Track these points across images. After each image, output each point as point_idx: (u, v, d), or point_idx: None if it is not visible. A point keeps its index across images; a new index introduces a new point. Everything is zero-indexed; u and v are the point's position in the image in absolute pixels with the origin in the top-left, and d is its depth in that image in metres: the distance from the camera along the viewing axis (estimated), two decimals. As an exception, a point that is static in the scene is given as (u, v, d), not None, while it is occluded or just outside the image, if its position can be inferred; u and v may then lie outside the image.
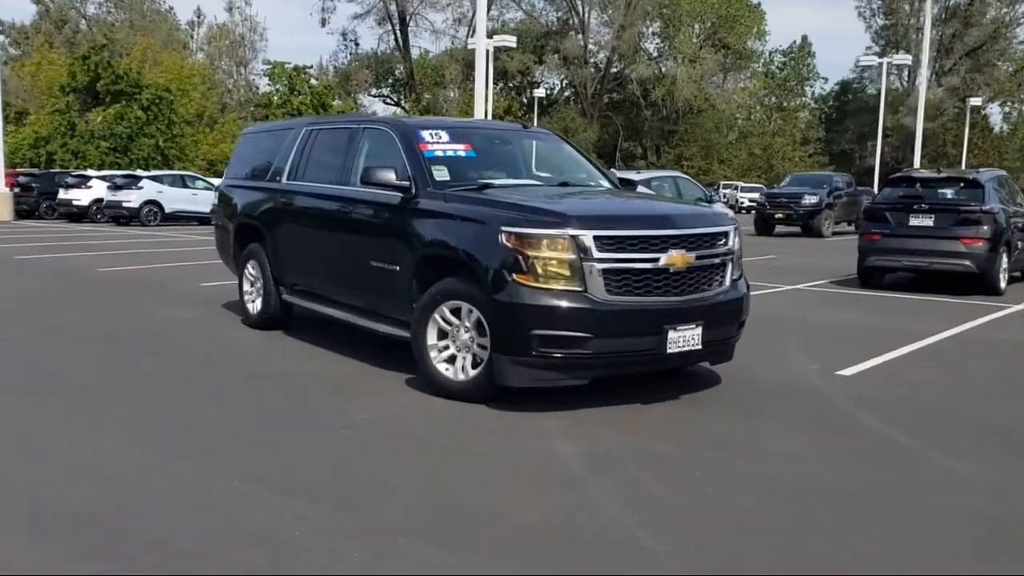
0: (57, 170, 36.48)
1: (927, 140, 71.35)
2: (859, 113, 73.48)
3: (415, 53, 68.61)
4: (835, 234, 26.71)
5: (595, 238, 5.59)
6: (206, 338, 8.39)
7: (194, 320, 9.37)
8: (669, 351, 5.73)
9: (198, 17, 69.64)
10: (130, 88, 43.71)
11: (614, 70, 68.62)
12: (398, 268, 6.62)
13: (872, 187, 37.07)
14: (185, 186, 28.93)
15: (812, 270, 15.40)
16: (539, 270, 5.57)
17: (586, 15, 67.92)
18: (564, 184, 7.17)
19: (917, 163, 33.94)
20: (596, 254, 5.58)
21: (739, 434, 5.45)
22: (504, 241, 5.67)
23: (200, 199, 28.07)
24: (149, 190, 27.69)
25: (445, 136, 7.06)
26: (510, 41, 38.00)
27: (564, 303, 5.54)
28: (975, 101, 59.87)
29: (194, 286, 12.20)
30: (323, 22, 73.15)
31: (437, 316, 6.12)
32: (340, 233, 7.48)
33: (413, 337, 6.28)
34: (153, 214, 27.55)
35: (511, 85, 69.04)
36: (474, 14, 66.27)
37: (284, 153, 8.50)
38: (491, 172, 7.19)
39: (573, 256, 5.56)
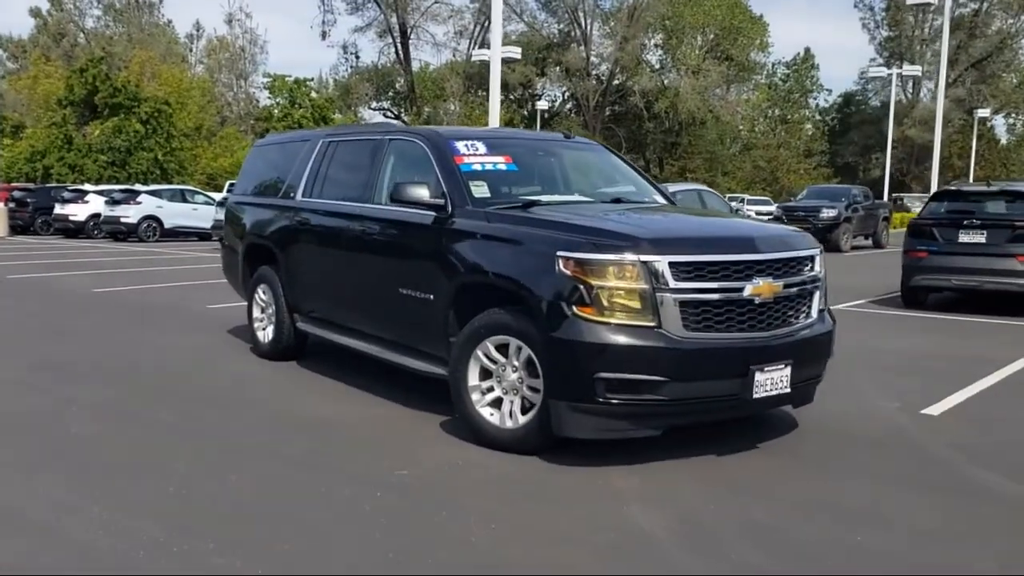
0: (53, 184, 35.71)
1: (932, 152, 71.06)
2: (863, 125, 72.94)
3: (415, 66, 67.96)
4: (853, 248, 25.97)
5: (671, 264, 4.80)
6: (212, 373, 7.59)
7: (199, 349, 8.57)
8: (756, 396, 4.93)
9: (197, 31, 68.98)
10: (128, 101, 42.95)
11: (616, 82, 68.00)
12: (432, 297, 5.83)
13: (883, 200, 36.30)
14: (185, 201, 28.14)
15: (845, 288, 14.58)
16: (604, 302, 4.78)
17: (588, 27, 67.26)
18: (617, 200, 6.39)
19: (935, 180, 33.17)
20: (671, 283, 4.79)
21: (845, 496, 4.64)
22: (562, 268, 4.88)
23: (200, 214, 27.31)
24: (148, 205, 26.90)
25: (482, 147, 6.29)
26: (515, 52, 37.39)
27: (635, 341, 4.74)
28: (983, 112, 59.21)
29: (198, 308, 11.41)
30: (323, 35, 72.55)
31: (480, 353, 5.33)
32: (363, 256, 6.69)
33: (451, 376, 5.49)
34: (152, 230, 26.75)
35: (512, 97, 68.34)
36: (475, 27, 65.99)
37: (299, 167, 7.73)
38: (535, 188, 6.42)
39: (645, 285, 4.77)
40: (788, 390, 5.09)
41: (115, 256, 20.79)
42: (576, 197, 6.41)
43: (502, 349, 5.27)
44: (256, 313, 8.26)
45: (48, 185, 35.07)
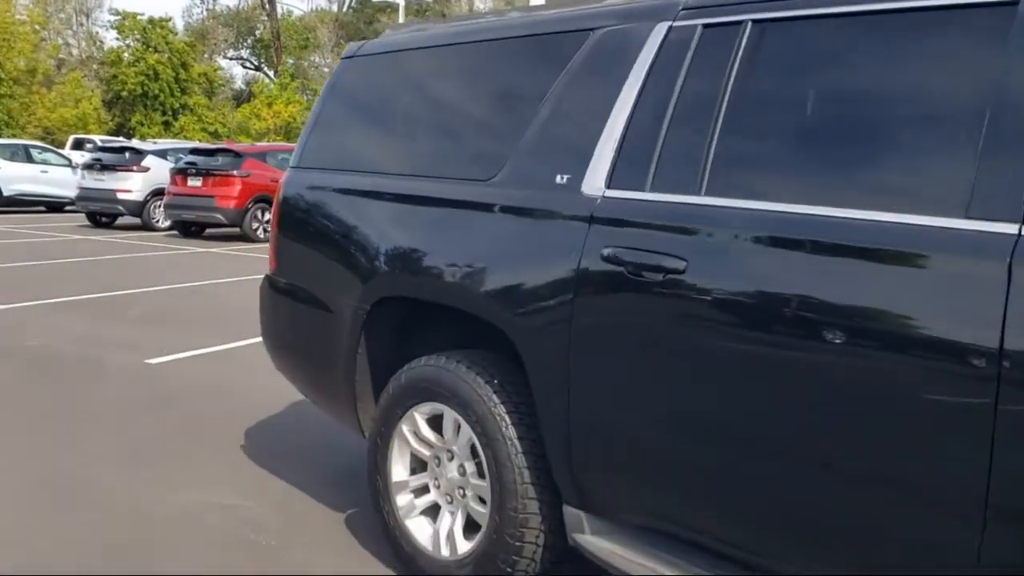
0: None
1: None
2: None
3: (280, 11, 61.24)
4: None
5: None
6: None
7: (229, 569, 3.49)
8: None
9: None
10: (-58, 35, 35.05)
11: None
12: None
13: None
14: (31, 160, 21.57)
15: None
16: None
17: (469, -26, 62.22)
18: None
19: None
20: None
21: None
22: None
23: (52, 178, 21.15)
24: (-20, 166, 20.35)
25: None
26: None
27: None
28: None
29: (128, 366, 6.13)
30: (173, -28, 64.05)
31: None
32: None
33: None
34: (-13, 199, 20.29)
35: (390, 51, 62.68)
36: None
37: (579, 101, 2.75)
38: None
39: None
40: None
41: (-60, 239, 14.67)
42: None
43: None
44: (399, 472, 3.25)
45: None
